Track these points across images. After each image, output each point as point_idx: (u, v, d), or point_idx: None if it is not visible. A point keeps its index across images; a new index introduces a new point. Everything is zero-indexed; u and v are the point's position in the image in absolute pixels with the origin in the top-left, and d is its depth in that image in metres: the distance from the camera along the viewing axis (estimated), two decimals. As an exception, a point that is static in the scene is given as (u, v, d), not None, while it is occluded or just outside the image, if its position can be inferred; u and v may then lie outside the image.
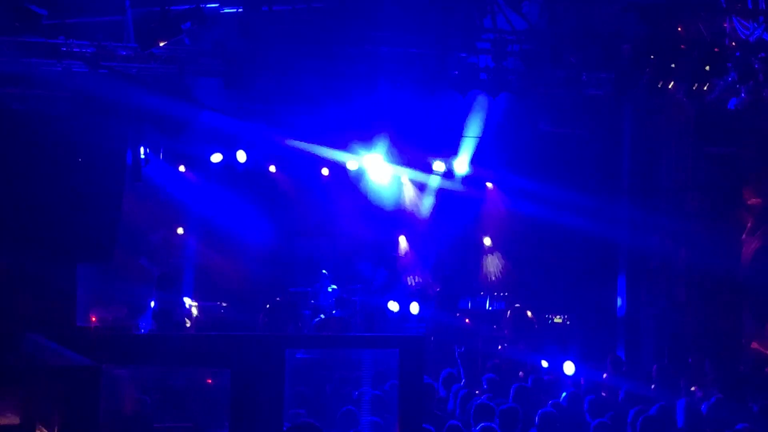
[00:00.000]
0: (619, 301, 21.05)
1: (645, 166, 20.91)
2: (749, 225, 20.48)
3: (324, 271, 20.95)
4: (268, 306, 19.98)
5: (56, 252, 14.39)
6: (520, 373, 16.51)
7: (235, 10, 15.53)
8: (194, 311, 18.98)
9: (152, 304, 16.87)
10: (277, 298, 20.26)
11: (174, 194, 21.15)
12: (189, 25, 14.65)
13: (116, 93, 15.73)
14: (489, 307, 21.44)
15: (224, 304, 19.63)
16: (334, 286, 20.80)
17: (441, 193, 22.61)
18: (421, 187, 22.75)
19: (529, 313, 20.32)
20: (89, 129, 14.85)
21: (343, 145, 21.58)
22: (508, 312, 20.76)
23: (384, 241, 22.82)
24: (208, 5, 14.96)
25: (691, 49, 16.29)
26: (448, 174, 22.27)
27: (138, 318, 17.76)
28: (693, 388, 14.61)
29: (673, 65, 16.40)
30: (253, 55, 16.32)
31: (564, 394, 13.18)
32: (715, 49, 16.21)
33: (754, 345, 19.15)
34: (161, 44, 14.99)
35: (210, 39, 16.08)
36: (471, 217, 22.82)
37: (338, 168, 22.08)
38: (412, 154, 21.95)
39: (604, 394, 14.15)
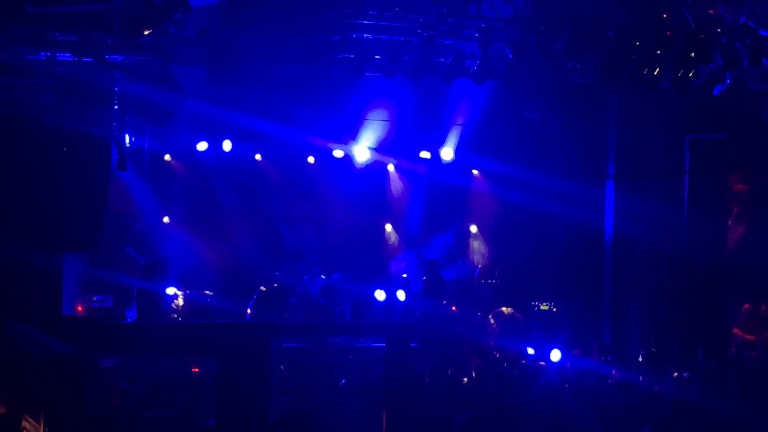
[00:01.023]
0: (605, 288, 21.08)
1: (631, 153, 20.93)
2: (735, 211, 20.55)
3: (316, 271, 20.90)
4: (255, 296, 19.96)
5: (42, 241, 14.41)
6: (504, 363, 16.55)
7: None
8: (180, 300, 18.93)
9: (138, 293, 16.84)
10: (262, 288, 20.22)
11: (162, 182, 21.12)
12: (177, 15, 14.62)
13: (101, 82, 15.70)
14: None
15: (210, 293, 19.58)
16: (323, 276, 20.77)
17: (427, 181, 22.59)
18: (407, 175, 22.73)
19: (506, 310, 20.29)
20: (74, 118, 14.88)
21: (329, 133, 21.54)
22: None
23: (370, 228, 22.79)
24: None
25: (676, 36, 16.30)
26: (435, 161, 22.24)
27: (124, 307, 17.74)
28: (675, 374, 14.67)
29: (658, 52, 16.41)
30: (237, 43, 16.29)
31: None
32: (701, 36, 16.21)
33: (735, 330, 19.21)
34: (146, 33, 14.93)
35: (195, 27, 16.03)
36: (457, 204, 22.82)
37: (325, 156, 22.05)
38: (399, 141, 21.91)
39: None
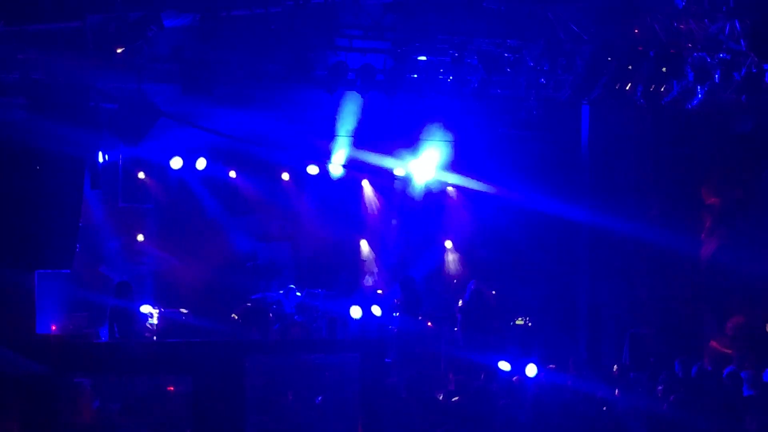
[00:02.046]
0: (580, 303, 21.11)
1: (604, 167, 20.98)
2: (708, 224, 20.65)
3: (291, 285, 20.85)
4: (234, 316, 19.90)
5: (15, 260, 14.34)
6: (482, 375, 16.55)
7: (191, 19, 15.45)
8: (155, 318, 18.84)
9: (112, 311, 16.75)
10: (247, 304, 20.19)
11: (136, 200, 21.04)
12: (151, 32, 14.61)
13: (75, 100, 15.64)
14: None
15: (185, 311, 19.50)
16: (298, 293, 20.72)
17: (402, 196, 22.61)
18: (382, 191, 22.74)
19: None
20: (48, 136, 14.83)
21: (304, 150, 21.54)
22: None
23: (346, 244, 22.78)
24: (166, 11, 14.88)
25: (648, 51, 16.40)
26: (410, 177, 22.27)
27: (98, 326, 17.64)
28: (650, 388, 14.72)
29: (630, 67, 16.51)
30: (211, 61, 16.28)
31: None
32: (672, 51, 16.32)
33: (713, 344, 19.30)
34: (119, 51, 14.90)
35: (168, 46, 16.01)
36: (432, 219, 22.84)
37: (299, 173, 22.05)
38: (373, 157, 21.93)
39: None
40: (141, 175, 21.11)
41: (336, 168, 21.90)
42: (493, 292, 20.76)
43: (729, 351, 18.93)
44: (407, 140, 21.70)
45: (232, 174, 21.73)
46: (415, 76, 17.22)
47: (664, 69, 16.52)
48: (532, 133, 20.34)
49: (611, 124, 20.71)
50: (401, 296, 20.26)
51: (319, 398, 12.73)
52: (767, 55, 15.86)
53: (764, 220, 20.14)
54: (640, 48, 16.41)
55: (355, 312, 20.20)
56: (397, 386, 13.45)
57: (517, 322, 21.00)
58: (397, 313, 19.93)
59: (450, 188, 22.76)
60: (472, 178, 21.83)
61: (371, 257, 22.87)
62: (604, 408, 13.31)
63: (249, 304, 20.02)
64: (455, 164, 22.02)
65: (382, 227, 22.84)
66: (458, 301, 21.20)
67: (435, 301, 22.15)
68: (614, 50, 16.36)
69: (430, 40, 16.64)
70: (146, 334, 18.16)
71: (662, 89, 16.98)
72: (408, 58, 16.64)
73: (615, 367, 16.64)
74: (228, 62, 16.92)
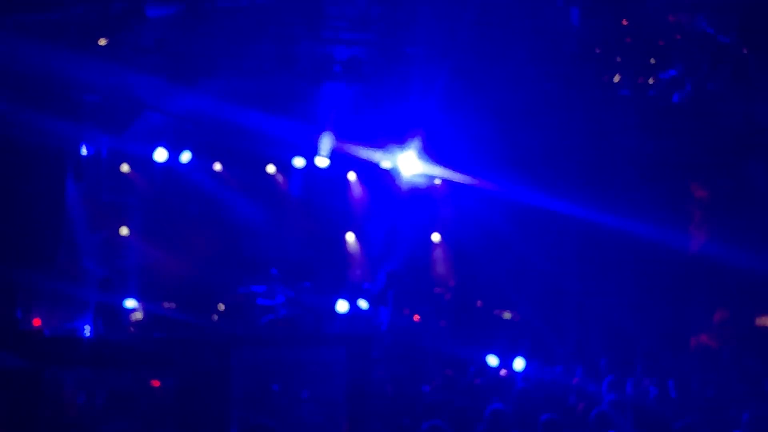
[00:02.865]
0: (568, 296, 21.06)
1: (592, 160, 20.92)
2: (696, 217, 20.63)
3: (278, 281, 20.78)
4: (221, 308, 19.84)
5: (-4, 254, 14.17)
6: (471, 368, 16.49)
7: (176, 9, 15.34)
8: (140, 313, 18.74)
9: (96, 306, 16.66)
10: (230, 300, 20.13)
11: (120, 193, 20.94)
12: (134, 23, 14.50)
13: (58, 92, 15.50)
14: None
15: (171, 305, 19.42)
16: (284, 287, 20.65)
17: (387, 189, 22.53)
18: (368, 184, 22.67)
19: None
20: (30, 128, 14.67)
21: (291, 143, 21.45)
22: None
23: (333, 238, 22.72)
24: (149, 2, 14.77)
25: (635, 43, 16.33)
26: (396, 170, 22.19)
27: (81, 321, 17.52)
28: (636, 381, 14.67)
29: (618, 59, 16.44)
30: (195, 53, 16.18)
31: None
32: (660, 42, 16.25)
33: (703, 338, 19.29)
34: (102, 43, 14.78)
35: (152, 37, 15.90)
36: (420, 213, 22.78)
37: (287, 166, 21.98)
38: (359, 150, 21.84)
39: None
40: (125, 167, 20.99)
41: (322, 161, 21.81)
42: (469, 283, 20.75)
43: (715, 344, 18.95)
44: (394, 133, 21.62)
45: (217, 166, 21.64)
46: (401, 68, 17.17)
47: (652, 60, 16.45)
48: (520, 126, 20.23)
49: (598, 116, 20.66)
50: (387, 290, 20.21)
51: (305, 393, 12.63)
52: (756, 47, 15.77)
53: (753, 213, 20.12)
54: (628, 39, 16.34)
55: (342, 306, 20.15)
56: (384, 381, 13.39)
57: (505, 316, 20.96)
58: (383, 307, 19.89)
59: (437, 181, 22.70)
60: (458, 171, 21.75)
61: (358, 250, 22.81)
62: (592, 402, 13.25)
63: (234, 298, 19.97)
64: (441, 157, 21.95)
65: (369, 221, 22.78)
66: (445, 295, 21.20)
67: (422, 295, 22.12)
68: (602, 41, 16.28)
69: (416, 32, 16.56)
70: (131, 329, 18.07)
71: (650, 81, 16.92)
72: (394, 50, 16.55)
73: (603, 361, 16.57)
74: (212, 54, 16.83)
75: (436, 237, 23.09)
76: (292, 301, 20.28)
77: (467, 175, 21.36)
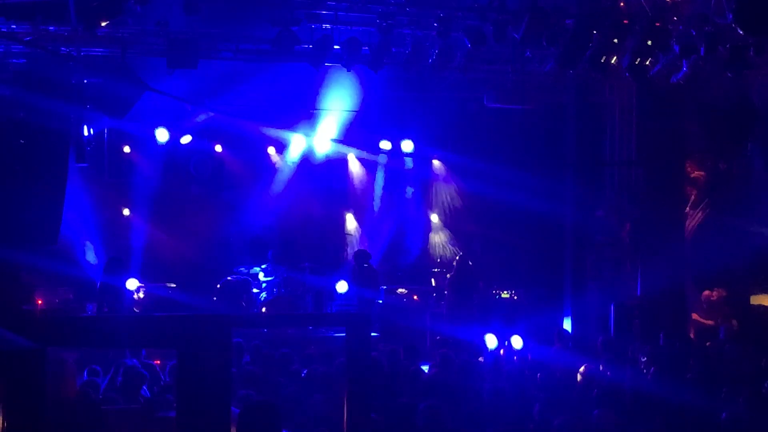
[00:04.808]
0: (565, 275, 21.15)
1: (589, 141, 20.97)
2: (693, 198, 20.71)
3: (278, 261, 20.87)
4: (218, 286, 19.95)
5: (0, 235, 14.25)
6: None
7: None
8: (141, 293, 18.87)
9: (100, 286, 16.76)
10: (228, 278, 20.23)
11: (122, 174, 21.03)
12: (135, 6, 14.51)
13: (59, 74, 15.57)
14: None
15: (171, 285, 19.54)
16: (284, 267, 20.76)
17: (388, 171, 22.64)
18: (367, 165, 22.76)
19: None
20: (32, 111, 14.75)
21: (289, 124, 21.55)
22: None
23: (332, 218, 22.81)
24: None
25: (633, 24, 16.37)
26: (395, 152, 22.30)
27: (85, 301, 17.65)
28: (633, 359, 14.77)
29: (615, 40, 16.47)
30: (196, 34, 16.25)
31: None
32: (657, 24, 16.29)
33: (694, 316, 19.40)
34: (103, 24, 14.82)
35: (153, 19, 15.96)
36: (418, 194, 22.88)
37: (284, 147, 22.07)
38: (359, 132, 21.94)
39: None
40: (126, 149, 21.08)
41: (322, 144, 21.91)
42: (470, 263, 20.78)
43: (711, 322, 19.03)
44: (393, 116, 21.74)
45: (218, 148, 21.72)
46: (401, 50, 17.24)
47: (649, 42, 16.50)
48: (518, 107, 20.30)
49: (596, 97, 20.73)
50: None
51: (305, 371, 12.75)
52: (753, 29, 15.81)
53: (749, 193, 20.21)
54: (626, 21, 16.37)
55: (341, 286, 20.26)
56: (381, 360, 13.50)
57: (503, 295, 21.06)
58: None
59: (436, 162, 22.80)
60: (458, 151, 21.86)
61: (357, 231, 22.91)
62: (588, 380, 13.37)
63: (232, 278, 20.09)
64: (441, 138, 22.05)
65: (368, 201, 22.87)
66: (445, 275, 21.29)
67: (421, 274, 22.25)
68: (599, 23, 16.31)
69: (416, 14, 16.60)
70: (134, 309, 18.21)
71: (647, 63, 16.97)
72: (394, 32, 16.58)
73: (600, 340, 16.68)
74: (212, 36, 16.91)
75: (434, 218, 23.20)
76: (292, 281, 20.41)
77: (465, 156, 21.49)
